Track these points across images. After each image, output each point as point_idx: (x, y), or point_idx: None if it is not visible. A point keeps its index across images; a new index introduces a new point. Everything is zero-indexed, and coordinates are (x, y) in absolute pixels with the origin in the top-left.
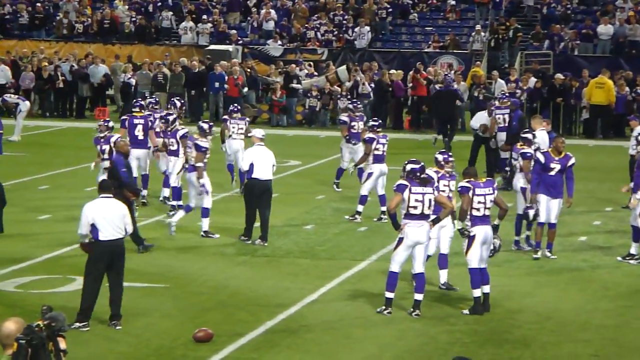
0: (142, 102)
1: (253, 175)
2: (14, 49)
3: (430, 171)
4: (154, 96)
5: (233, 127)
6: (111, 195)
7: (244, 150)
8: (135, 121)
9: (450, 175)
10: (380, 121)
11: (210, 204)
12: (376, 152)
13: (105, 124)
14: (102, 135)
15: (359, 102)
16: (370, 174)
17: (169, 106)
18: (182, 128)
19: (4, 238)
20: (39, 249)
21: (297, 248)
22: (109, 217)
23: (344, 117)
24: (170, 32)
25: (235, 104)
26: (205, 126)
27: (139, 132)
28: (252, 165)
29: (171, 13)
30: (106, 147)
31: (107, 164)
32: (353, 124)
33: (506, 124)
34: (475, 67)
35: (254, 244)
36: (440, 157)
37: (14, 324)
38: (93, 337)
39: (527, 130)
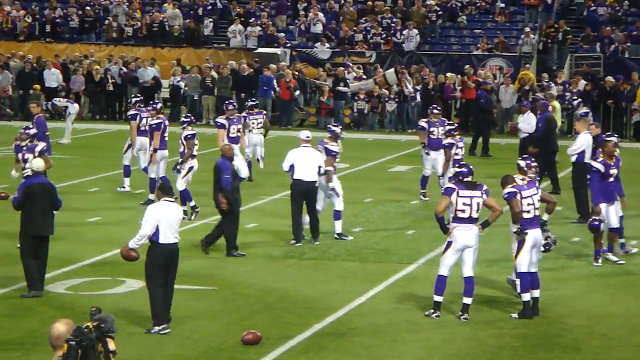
0: (160, 105)
1: (295, 177)
2: (64, 53)
3: (516, 178)
4: (139, 95)
5: (252, 122)
6: (173, 199)
7: (262, 144)
8: (167, 123)
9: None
10: (456, 125)
11: (342, 207)
12: (456, 157)
13: (27, 132)
14: (23, 144)
15: (438, 107)
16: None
17: (225, 109)
18: (190, 129)
19: (54, 240)
20: (89, 251)
21: (345, 251)
22: (170, 221)
23: (422, 122)
24: (211, 39)
25: (254, 99)
26: (337, 130)
27: (166, 134)
28: (292, 166)
29: (210, 20)
30: (29, 156)
31: (29, 172)
32: (432, 129)
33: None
34: (524, 69)
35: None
36: (522, 163)
37: (64, 325)
38: (142, 339)
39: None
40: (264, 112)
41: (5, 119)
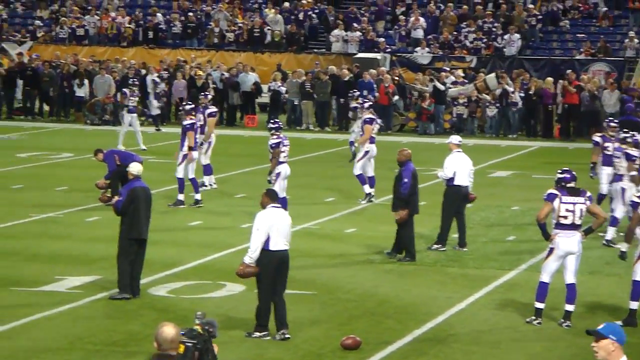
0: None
1: (455, 183)
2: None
3: None
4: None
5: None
6: (279, 206)
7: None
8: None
9: None
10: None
11: (621, 215)
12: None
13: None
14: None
15: (615, 120)
16: (624, 189)
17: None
18: (274, 138)
19: (158, 244)
20: (191, 255)
21: (444, 256)
22: (280, 228)
23: (596, 137)
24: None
25: (355, 89)
26: (638, 137)
27: (198, 136)
28: (454, 172)
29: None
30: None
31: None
32: (607, 145)
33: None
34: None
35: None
36: None
37: (174, 328)
38: (243, 343)
39: None
40: (366, 101)
41: (109, 124)
